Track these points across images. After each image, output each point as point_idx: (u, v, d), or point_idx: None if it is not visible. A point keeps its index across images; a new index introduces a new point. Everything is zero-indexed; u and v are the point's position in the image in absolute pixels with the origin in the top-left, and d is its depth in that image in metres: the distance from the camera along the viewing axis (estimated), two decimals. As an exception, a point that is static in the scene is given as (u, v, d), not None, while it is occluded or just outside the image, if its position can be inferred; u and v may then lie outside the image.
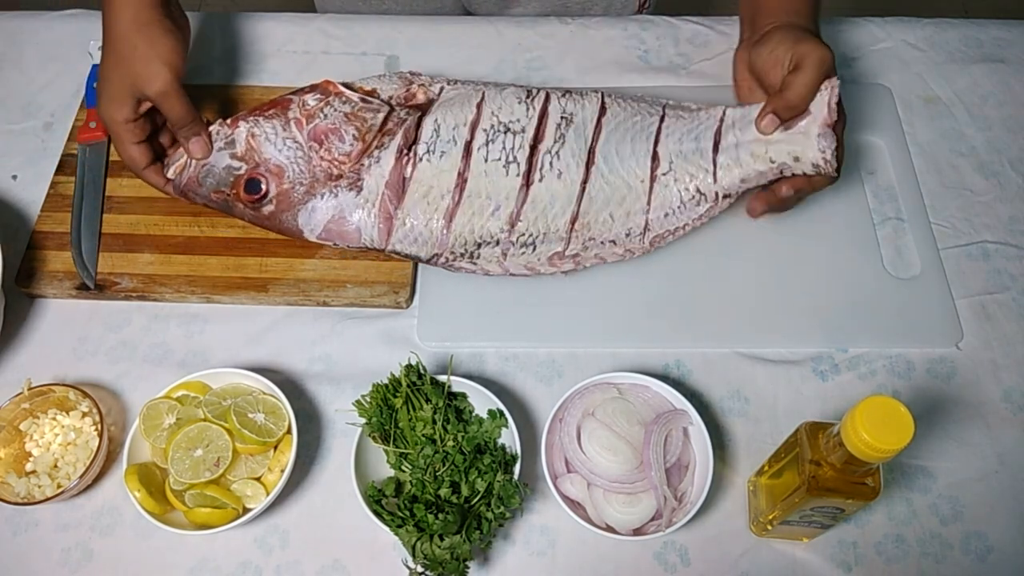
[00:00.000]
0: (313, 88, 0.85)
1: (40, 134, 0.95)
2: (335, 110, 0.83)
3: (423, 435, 0.71)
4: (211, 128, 0.84)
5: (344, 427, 0.78)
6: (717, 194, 0.81)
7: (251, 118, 0.83)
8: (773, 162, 0.79)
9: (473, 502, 0.70)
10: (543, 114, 0.84)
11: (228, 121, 0.83)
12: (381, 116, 0.83)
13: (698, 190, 0.81)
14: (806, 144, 0.78)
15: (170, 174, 0.84)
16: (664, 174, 0.81)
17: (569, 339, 0.82)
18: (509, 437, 0.73)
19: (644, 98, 0.88)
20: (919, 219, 0.88)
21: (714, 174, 0.81)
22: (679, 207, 0.81)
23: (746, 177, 0.80)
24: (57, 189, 0.89)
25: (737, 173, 0.80)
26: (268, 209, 0.82)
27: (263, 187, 0.82)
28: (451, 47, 1.01)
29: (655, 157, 0.82)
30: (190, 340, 0.83)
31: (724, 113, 0.83)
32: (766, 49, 0.81)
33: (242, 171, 0.82)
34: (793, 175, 0.79)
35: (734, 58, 0.89)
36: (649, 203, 0.82)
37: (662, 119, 0.84)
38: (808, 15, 0.85)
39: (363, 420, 0.73)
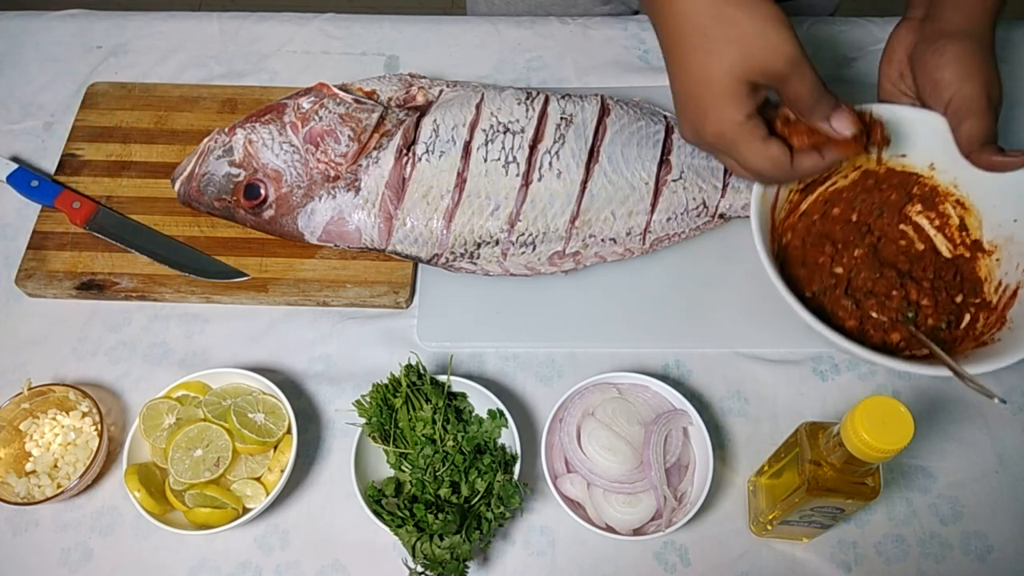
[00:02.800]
0: (307, 91, 0.85)
1: (40, 134, 0.95)
2: (330, 112, 0.83)
3: (423, 435, 0.71)
4: (209, 136, 0.84)
5: (344, 427, 0.78)
6: (718, 210, 0.84)
7: (248, 124, 0.83)
8: None
9: (473, 502, 0.70)
10: (542, 115, 0.84)
11: (226, 129, 0.84)
12: (376, 116, 0.83)
13: (704, 203, 0.84)
14: None
15: (177, 186, 0.84)
16: (675, 180, 0.84)
17: (569, 339, 0.82)
18: (509, 437, 0.73)
19: (641, 105, 0.89)
20: (919, 219, 0.88)
21: (723, 192, 0.84)
22: (683, 214, 0.83)
23: (750, 203, 0.82)
24: (57, 189, 0.89)
25: (744, 197, 0.84)
26: (268, 214, 0.82)
27: (262, 192, 0.82)
28: (451, 47, 1.02)
29: (665, 164, 0.84)
30: (190, 340, 0.83)
31: None
32: (933, 61, 0.72)
33: (241, 178, 0.82)
34: None
35: (892, 34, 0.78)
36: (653, 205, 0.83)
37: (669, 129, 0.86)
38: (989, 18, 0.73)
39: (363, 420, 0.73)
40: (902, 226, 0.76)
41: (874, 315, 0.72)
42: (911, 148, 0.75)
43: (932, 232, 0.75)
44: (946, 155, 0.73)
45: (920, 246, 0.76)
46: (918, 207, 0.77)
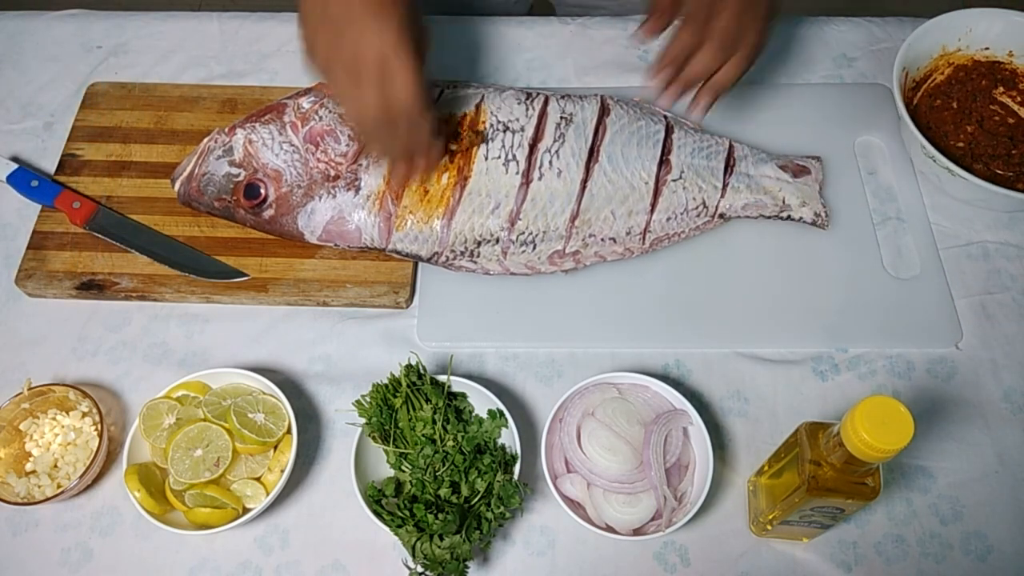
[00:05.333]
0: (307, 91, 0.85)
1: (40, 134, 0.95)
2: (330, 112, 0.83)
3: (423, 435, 0.71)
4: (209, 136, 0.84)
5: (344, 427, 0.78)
6: (717, 210, 0.84)
7: (248, 124, 0.83)
8: (784, 202, 0.85)
9: (473, 502, 0.70)
10: (542, 114, 0.84)
11: (226, 129, 0.84)
12: None
13: (704, 203, 0.84)
14: (812, 196, 0.86)
15: (177, 186, 0.84)
16: (675, 180, 0.84)
17: (569, 339, 0.82)
18: (509, 437, 0.73)
19: (641, 105, 0.89)
20: (919, 219, 0.88)
21: (723, 192, 0.84)
22: (682, 213, 0.83)
23: (750, 204, 0.85)
24: (57, 189, 0.89)
25: (744, 197, 0.85)
26: (268, 214, 0.82)
27: (262, 192, 0.82)
28: (451, 47, 1.01)
29: (665, 164, 0.84)
30: (190, 340, 0.83)
31: (731, 144, 0.87)
32: None
33: (241, 177, 0.82)
34: (789, 217, 0.85)
35: None
36: (653, 205, 0.83)
37: (669, 129, 0.86)
38: None
39: (363, 420, 0.73)
40: (992, 107, 0.93)
41: (1000, 172, 0.89)
42: (992, 42, 0.93)
43: (1015, 107, 0.92)
44: (1021, 43, 0.93)
45: (1011, 120, 0.92)
46: (1001, 89, 0.93)
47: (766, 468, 0.71)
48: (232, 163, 0.83)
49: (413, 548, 0.67)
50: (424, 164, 0.77)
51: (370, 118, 0.69)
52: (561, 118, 0.84)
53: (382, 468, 0.74)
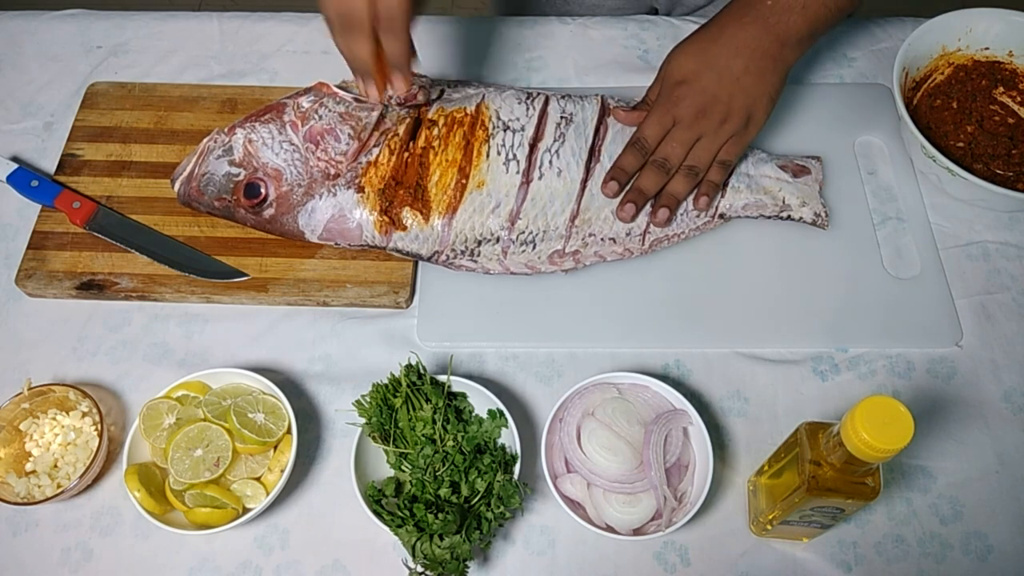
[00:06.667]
0: (307, 90, 0.85)
1: (40, 134, 0.95)
2: (329, 111, 0.83)
3: (423, 435, 0.71)
4: (208, 136, 0.84)
5: (344, 427, 0.78)
6: (717, 210, 0.85)
7: (247, 124, 0.83)
8: (784, 202, 0.85)
9: (473, 502, 0.70)
10: (543, 114, 0.84)
11: (225, 129, 0.84)
12: (376, 115, 0.83)
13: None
14: (812, 196, 0.86)
15: (176, 186, 0.84)
16: None
17: (569, 339, 0.82)
18: (509, 437, 0.73)
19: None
20: (919, 219, 0.88)
21: (723, 192, 0.85)
22: (683, 214, 0.84)
23: (750, 204, 0.85)
24: (57, 189, 0.89)
25: (744, 198, 0.85)
26: (269, 212, 0.82)
27: (262, 191, 0.82)
28: (451, 47, 1.02)
29: None
30: (190, 340, 0.83)
31: None
32: None
33: (241, 177, 0.82)
34: (789, 217, 0.85)
35: None
36: (652, 205, 0.82)
37: None
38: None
39: (363, 420, 0.73)
40: (992, 107, 0.93)
41: (1000, 172, 0.89)
42: (992, 42, 0.93)
43: (1015, 107, 0.92)
44: (1021, 43, 0.93)
45: (1011, 120, 0.92)
46: (1001, 89, 0.93)
47: (766, 468, 0.71)
48: (232, 162, 0.83)
49: (413, 548, 0.67)
50: (398, 84, 0.77)
51: (356, 14, 0.68)
52: (562, 118, 0.84)
53: (382, 468, 0.74)
